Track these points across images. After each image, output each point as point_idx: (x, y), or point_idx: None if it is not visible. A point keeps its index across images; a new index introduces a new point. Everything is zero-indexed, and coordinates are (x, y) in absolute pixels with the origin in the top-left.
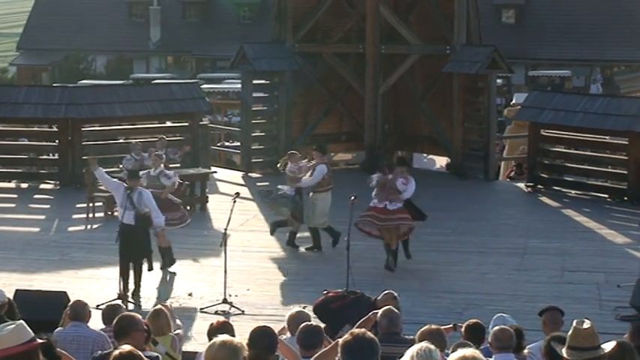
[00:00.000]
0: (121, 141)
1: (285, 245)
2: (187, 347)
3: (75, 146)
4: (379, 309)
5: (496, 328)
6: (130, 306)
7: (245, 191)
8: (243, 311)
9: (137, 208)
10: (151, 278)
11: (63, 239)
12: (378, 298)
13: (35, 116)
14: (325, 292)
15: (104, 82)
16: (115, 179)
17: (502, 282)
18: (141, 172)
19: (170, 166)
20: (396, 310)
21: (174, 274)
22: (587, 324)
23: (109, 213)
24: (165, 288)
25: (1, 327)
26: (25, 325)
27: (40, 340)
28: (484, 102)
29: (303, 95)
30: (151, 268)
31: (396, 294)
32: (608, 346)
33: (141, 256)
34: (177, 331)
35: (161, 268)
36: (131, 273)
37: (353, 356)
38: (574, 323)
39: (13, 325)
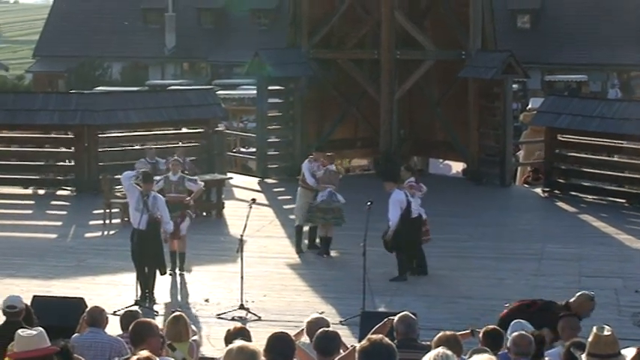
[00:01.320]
0: (136, 147)
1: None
2: (204, 353)
3: (91, 153)
4: (573, 311)
5: (515, 333)
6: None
7: (261, 197)
8: (259, 317)
9: (151, 211)
10: (166, 283)
11: (80, 245)
12: (571, 300)
13: (51, 123)
14: (506, 304)
15: (120, 89)
16: (133, 183)
17: (519, 287)
18: (158, 177)
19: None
20: (412, 316)
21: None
22: (607, 331)
23: (126, 219)
24: (181, 293)
25: (20, 331)
26: (44, 332)
27: (55, 347)
28: (500, 107)
29: (319, 101)
30: (163, 272)
31: (592, 294)
32: (628, 353)
33: (154, 260)
34: (194, 337)
35: (172, 272)
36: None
37: None
38: (594, 330)
39: (31, 331)
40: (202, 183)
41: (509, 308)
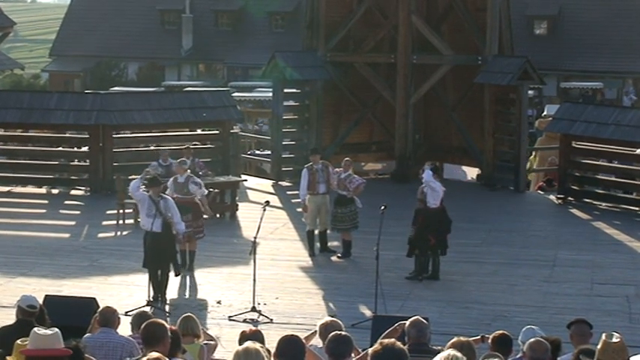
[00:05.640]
0: (151, 148)
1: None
2: (216, 355)
3: (106, 153)
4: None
5: (533, 339)
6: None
7: (275, 200)
8: (271, 320)
9: (164, 214)
10: (178, 285)
11: (93, 245)
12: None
13: (67, 122)
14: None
15: (136, 89)
16: (142, 191)
17: (531, 294)
18: (167, 180)
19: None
20: (424, 321)
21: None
22: (616, 337)
23: (139, 220)
24: (193, 295)
25: (37, 330)
26: (59, 333)
27: (68, 350)
28: (515, 113)
29: (334, 104)
30: (177, 274)
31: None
32: None
33: (168, 262)
34: (210, 342)
35: (181, 270)
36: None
37: None
38: (603, 337)
39: (47, 331)
40: (205, 191)
41: None
